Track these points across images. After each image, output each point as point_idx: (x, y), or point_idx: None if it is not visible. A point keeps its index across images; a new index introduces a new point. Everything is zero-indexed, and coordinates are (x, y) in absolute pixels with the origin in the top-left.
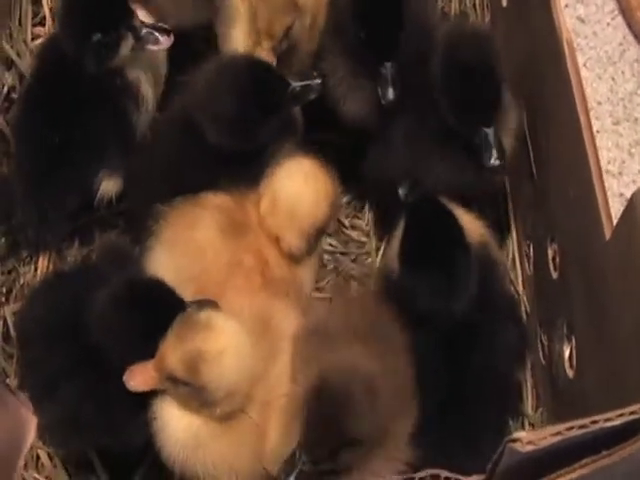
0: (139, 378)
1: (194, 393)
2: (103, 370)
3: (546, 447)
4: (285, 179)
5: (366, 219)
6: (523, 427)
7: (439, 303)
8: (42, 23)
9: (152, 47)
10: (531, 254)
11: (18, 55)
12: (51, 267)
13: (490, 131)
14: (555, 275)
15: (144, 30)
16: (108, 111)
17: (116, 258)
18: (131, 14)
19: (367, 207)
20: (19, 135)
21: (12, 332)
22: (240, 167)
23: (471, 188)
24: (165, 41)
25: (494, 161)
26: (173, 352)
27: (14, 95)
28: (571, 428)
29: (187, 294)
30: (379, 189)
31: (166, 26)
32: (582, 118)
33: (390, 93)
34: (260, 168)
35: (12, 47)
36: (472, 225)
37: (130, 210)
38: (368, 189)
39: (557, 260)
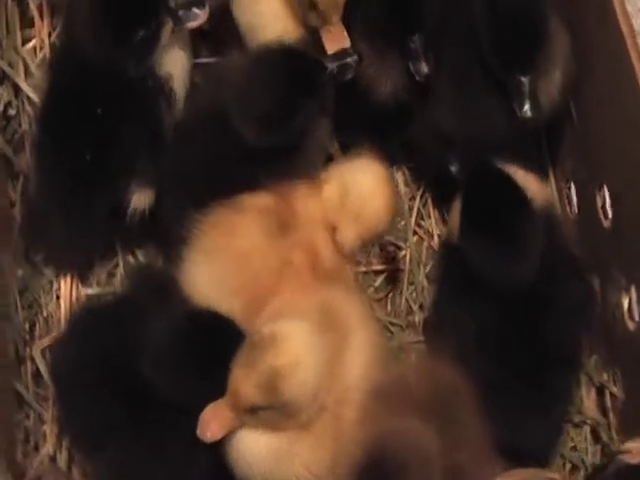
0: (214, 425)
1: (277, 413)
2: (156, 417)
3: None
4: (360, 176)
5: None
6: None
7: (508, 270)
8: (31, 24)
9: (192, 24)
10: (573, 197)
11: (10, 65)
12: (74, 294)
13: (525, 79)
14: (607, 224)
15: (180, 10)
16: (140, 117)
17: (153, 286)
18: None
19: None
20: (41, 155)
21: (43, 372)
22: (280, 160)
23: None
24: (203, 14)
25: (526, 111)
26: (246, 381)
27: (11, 111)
28: None
29: (234, 307)
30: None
31: None
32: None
33: (424, 67)
34: (301, 156)
35: (1, 57)
36: (534, 186)
37: (161, 222)
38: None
39: (607, 207)
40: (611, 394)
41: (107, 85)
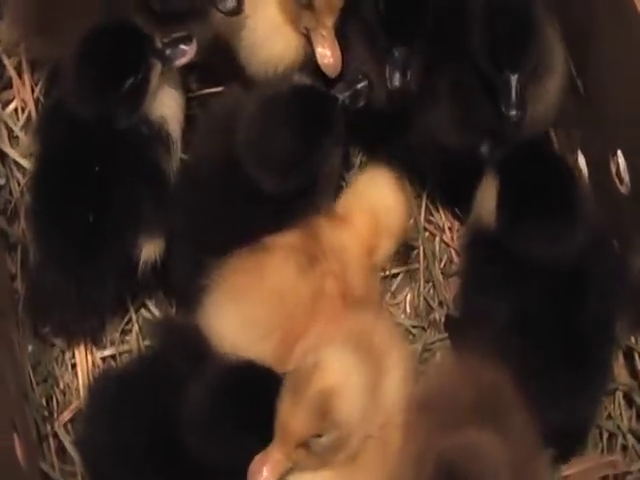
0: (266, 471)
1: (328, 443)
2: None
3: None
4: (378, 191)
5: None
6: None
7: (557, 246)
8: (8, 85)
9: (181, 62)
10: (582, 168)
11: None
12: (89, 359)
13: (514, 77)
14: (624, 189)
15: (168, 48)
16: (138, 166)
17: (178, 341)
18: (152, 38)
19: None
20: (39, 223)
21: (68, 448)
22: (296, 198)
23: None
24: (191, 49)
25: (511, 110)
26: (295, 412)
27: (0, 180)
28: None
29: (265, 349)
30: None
31: (184, 33)
32: None
33: (396, 79)
34: (317, 190)
35: None
36: None
37: (171, 272)
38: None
39: (622, 173)
40: None
41: (100, 140)
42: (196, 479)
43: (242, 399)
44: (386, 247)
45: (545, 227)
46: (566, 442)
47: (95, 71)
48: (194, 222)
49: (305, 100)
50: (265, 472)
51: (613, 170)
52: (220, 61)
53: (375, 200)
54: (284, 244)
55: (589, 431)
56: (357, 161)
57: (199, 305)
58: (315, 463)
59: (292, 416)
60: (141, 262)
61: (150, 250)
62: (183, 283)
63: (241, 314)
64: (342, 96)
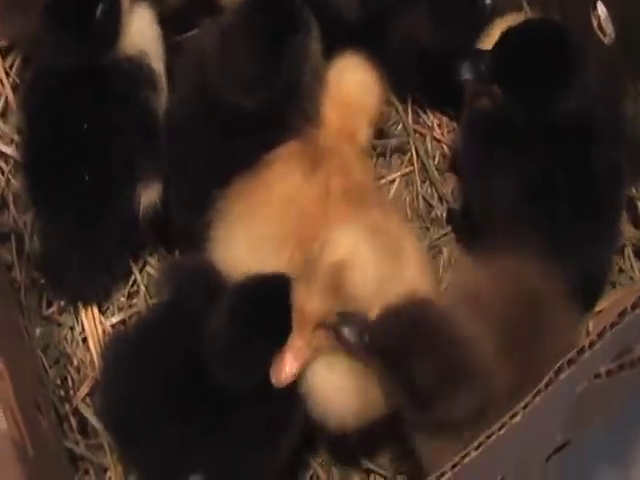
0: (288, 361)
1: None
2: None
3: None
4: (347, 73)
5: None
6: None
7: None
8: None
9: None
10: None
11: None
12: (99, 329)
13: None
14: (607, 40)
15: None
16: (127, 111)
17: (193, 280)
18: None
19: None
20: (37, 192)
21: (91, 420)
22: (287, 107)
23: None
24: None
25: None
26: (310, 291)
27: None
28: None
29: (281, 261)
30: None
31: None
32: None
33: None
34: (305, 95)
35: None
36: None
37: (175, 215)
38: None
39: (603, 25)
40: None
41: (85, 93)
42: (224, 416)
43: (261, 309)
44: (365, 127)
45: (544, 83)
46: (586, 296)
47: (63, 8)
48: (188, 161)
49: (260, 6)
50: (287, 364)
51: (595, 24)
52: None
53: (345, 81)
54: (283, 154)
55: (605, 285)
56: None
57: (205, 241)
58: (335, 349)
59: (307, 299)
60: (141, 209)
61: (149, 195)
62: (185, 224)
63: (253, 232)
64: None
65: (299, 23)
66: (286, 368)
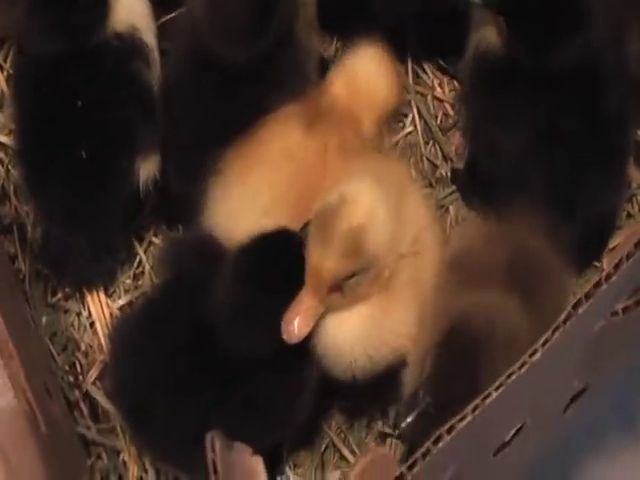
0: (300, 318)
1: (361, 278)
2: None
3: None
4: (362, 59)
5: None
6: None
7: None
8: None
9: None
10: None
11: None
12: (107, 313)
13: None
14: None
15: None
16: (120, 86)
17: (194, 253)
18: None
19: None
20: (35, 176)
21: (102, 402)
22: (274, 75)
23: None
24: None
25: None
26: (326, 254)
27: None
28: None
29: (284, 210)
30: None
31: None
32: None
33: None
34: (291, 64)
35: None
36: None
37: (174, 185)
38: None
39: None
40: None
41: (76, 72)
42: (236, 386)
43: (267, 264)
44: (370, 120)
45: (553, 28)
46: (595, 244)
47: None
48: (183, 127)
49: None
50: (300, 321)
51: None
52: None
53: (357, 66)
54: (282, 114)
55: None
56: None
57: (205, 207)
58: (349, 302)
59: (323, 259)
60: (141, 182)
61: (148, 169)
62: (184, 192)
63: (249, 189)
64: None
65: None
66: (299, 326)
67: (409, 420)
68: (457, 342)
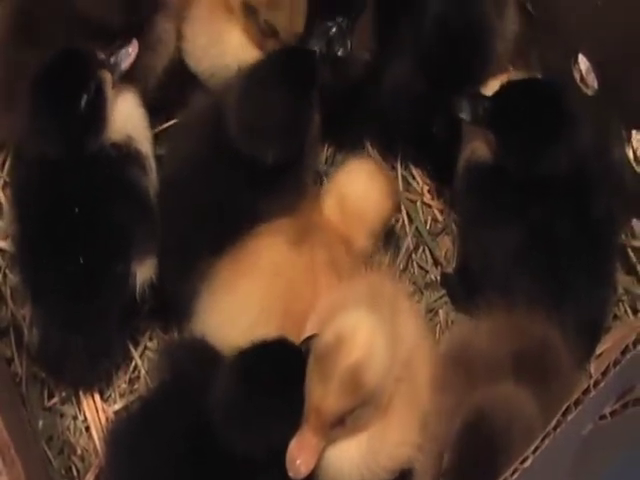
0: (305, 457)
1: (362, 410)
2: None
3: None
4: (351, 180)
5: None
6: None
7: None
8: None
9: (127, 63)
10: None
11: None
12: (102, 418)
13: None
14: (590, 92)
15: (112, 57)
16: (115, 193)
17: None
18: (94, 52)
19: None
20: (34, 281)
21: None
22: (277, 183)
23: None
24: (133, 48)
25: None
26: (328, 392)
27: None
28: None
29: (272, 323)
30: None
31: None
32: None
33: (339, 50)
34: (305, 164)
35: None
36: None
37: (165, 294)
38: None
39: (585, 77)
40: None
41: (74, 180)
42: None
43: (263, 372)
44: (362, 237)
45: (540, 141)
46: (587, 341)
47: (49, 102)
48: (181, 231)
49: (285, 59)
50: (305, 459)
51: (577, 78)
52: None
53: (346, 188)
54: (272, 227)
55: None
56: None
57: (194, 310)
58: (350, 433)
59: (324, 398)
60: (138, 285)
61: (144, 272)
62: (177, 296)
63: (238, 300)
64: (318, 47)
65: (318, 76)
66: (304, 463)
67: None
68: (476, 438)
